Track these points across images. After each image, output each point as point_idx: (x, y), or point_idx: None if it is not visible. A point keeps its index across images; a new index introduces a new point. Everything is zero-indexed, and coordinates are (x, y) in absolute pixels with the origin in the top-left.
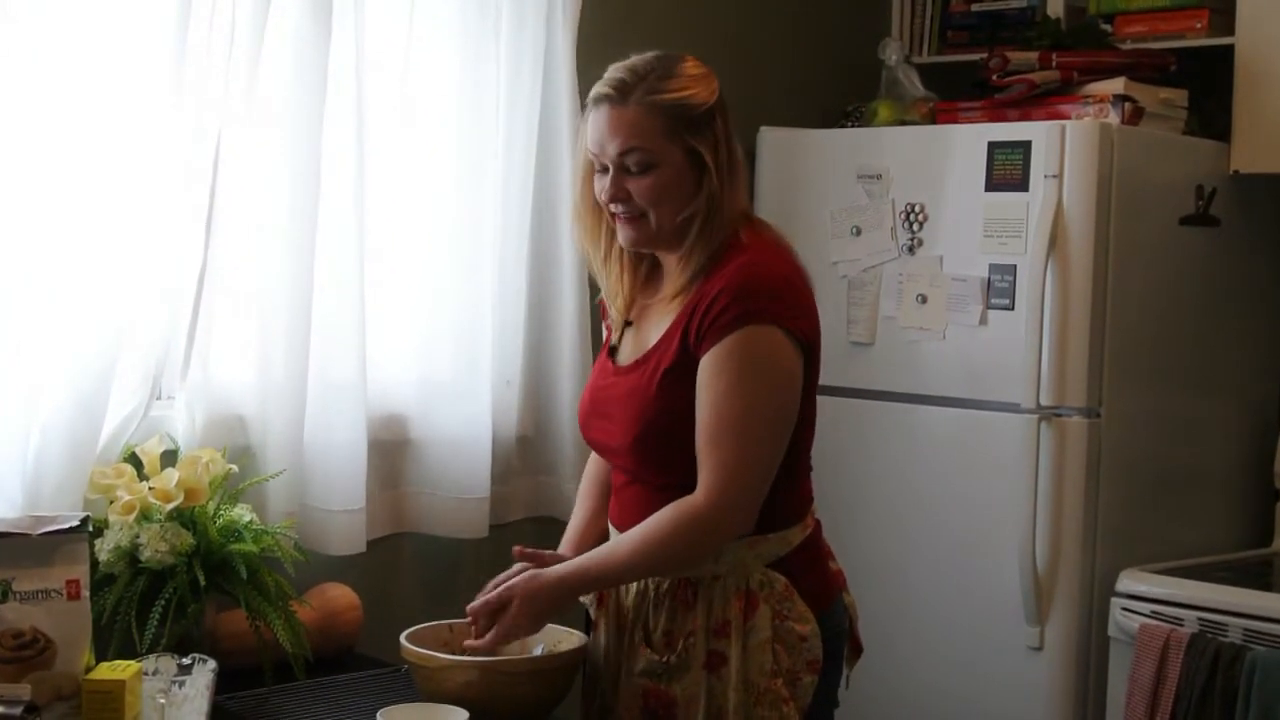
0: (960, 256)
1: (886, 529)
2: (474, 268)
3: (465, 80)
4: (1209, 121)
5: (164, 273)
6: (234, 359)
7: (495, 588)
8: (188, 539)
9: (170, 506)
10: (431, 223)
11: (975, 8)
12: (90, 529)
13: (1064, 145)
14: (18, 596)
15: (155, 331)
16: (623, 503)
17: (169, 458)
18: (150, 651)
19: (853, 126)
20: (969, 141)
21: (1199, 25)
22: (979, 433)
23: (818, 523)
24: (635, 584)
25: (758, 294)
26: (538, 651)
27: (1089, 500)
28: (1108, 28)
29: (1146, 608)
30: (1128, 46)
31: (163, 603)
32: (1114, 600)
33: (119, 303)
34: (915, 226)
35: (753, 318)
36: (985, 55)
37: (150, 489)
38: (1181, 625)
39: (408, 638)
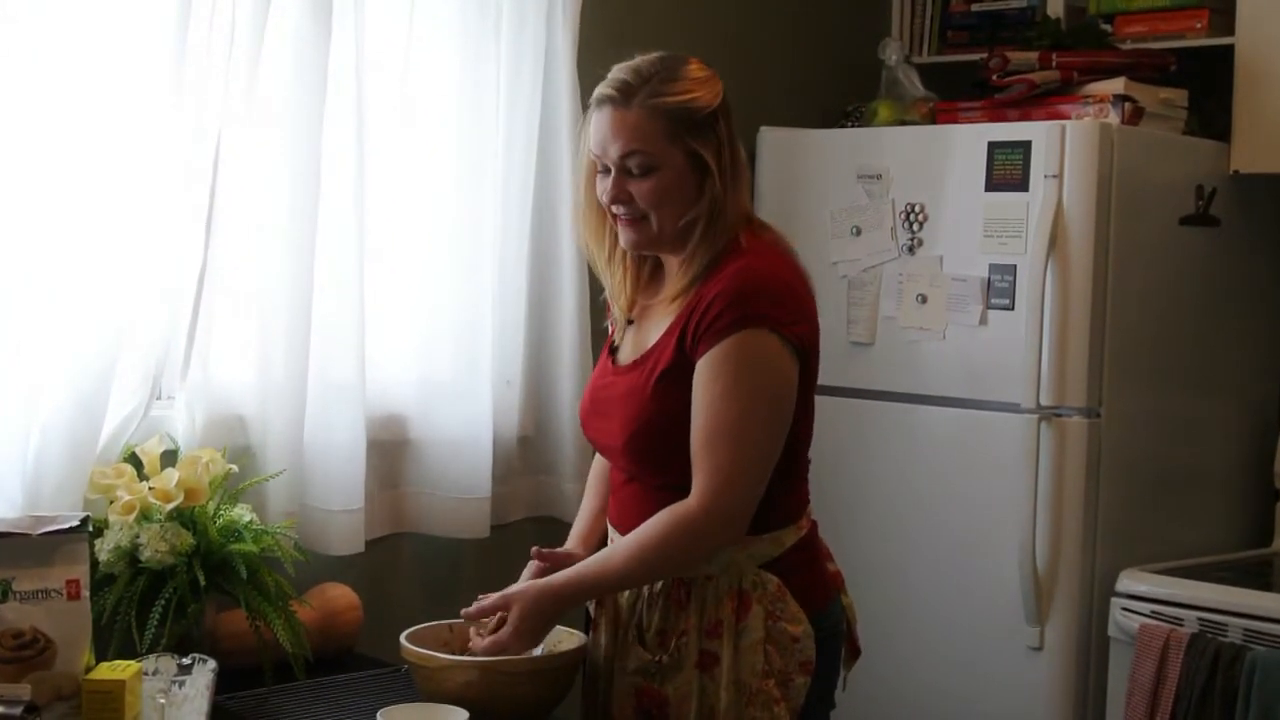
0: (960, 256)
1: (886, 529)
2: (474, 267)
3: (465, 80)
4: (1209, 121)
5: (164, 273)
6: (234, 359)
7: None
8: (188, 539)
9: (170, 506)
10: (431, 223)
11: (975, 8)
12: (90, 529)
13: (1064, 145)
14: (18, 596)
15: (155, 331)
16: (621, 501)
17: (169, 458)
18: (150, 651)
19: (853, 126)
20: (969, 141)
21: (1199, 25)
22: (979, 433)
23: (814, 524)
24: None
25: (754, 298)
26: (538, 651)
27: (1089, 500)
28: (1108, 28)
29: (1146, 608)
30: (1128, 46)
31: (163, 603)
32: (1114, 600)
33: (119, 303)
34: (915, 226)
35: (749, 322)
36: (985, 55)
37: (150, 489)
38: (1181, 625)
39: (408, 638)
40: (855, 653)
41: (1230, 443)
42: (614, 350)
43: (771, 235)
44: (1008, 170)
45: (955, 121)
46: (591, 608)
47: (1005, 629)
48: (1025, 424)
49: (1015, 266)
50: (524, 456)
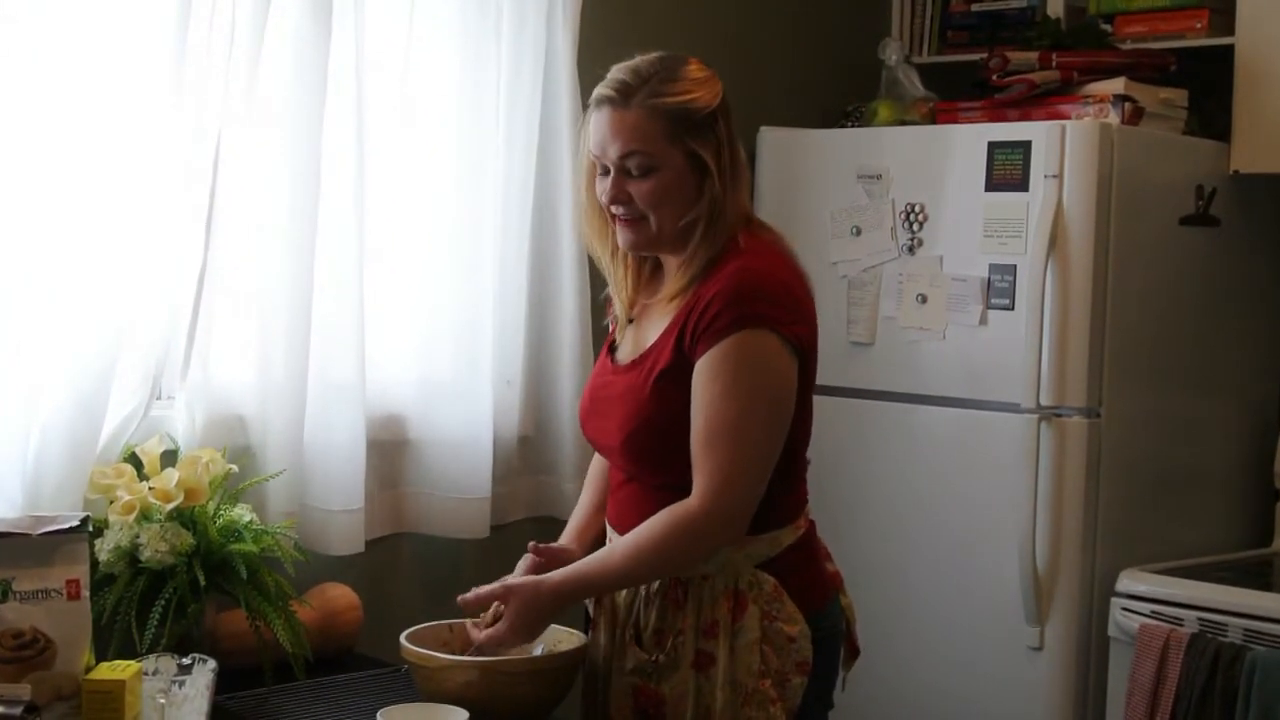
0: (960, 256)
1: (886, 529)
2: (474, 267)
3: (465, 80)
4: (1209, 121)
5: (164, 273)
6: (234, 359)
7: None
8: (188, 539)
9: (170, 506)
10: (431, 223)
11: (975, 8)
12: (90, 529)
13: (1064, 145)
14: (18, 596)
15: (155, 331)
16: (619, 501)
17: (169, 458)
18: (150, 651)
19: (853, 126)
20: (969, 141)
21: (1199, 25)
22: (979, 433)
23: (811, 524)
24: None
25: (753, 298)
26: (538, 651)
27: (1089, 500)
28: (1108, 28)
29: (1146, 608)
30: (1128, 46)
31: (163, 603)
32: (1114, 600)
33: (119, 303)
34: (915, 226)
35: (747, 322)
36: (985, 55)
37: (150, 489)
38: (1181, 625)
39: (408, 638)
40: (854, 653)
41: (1230, 443)
42: (613, 349)
43: (770, 235)
44: (1008, 170)
45: (955, 121)
46: (590, 607)
47: (1005, 629)
48: (1025, 424)
49: (1015, 266)
50: (524, 456)
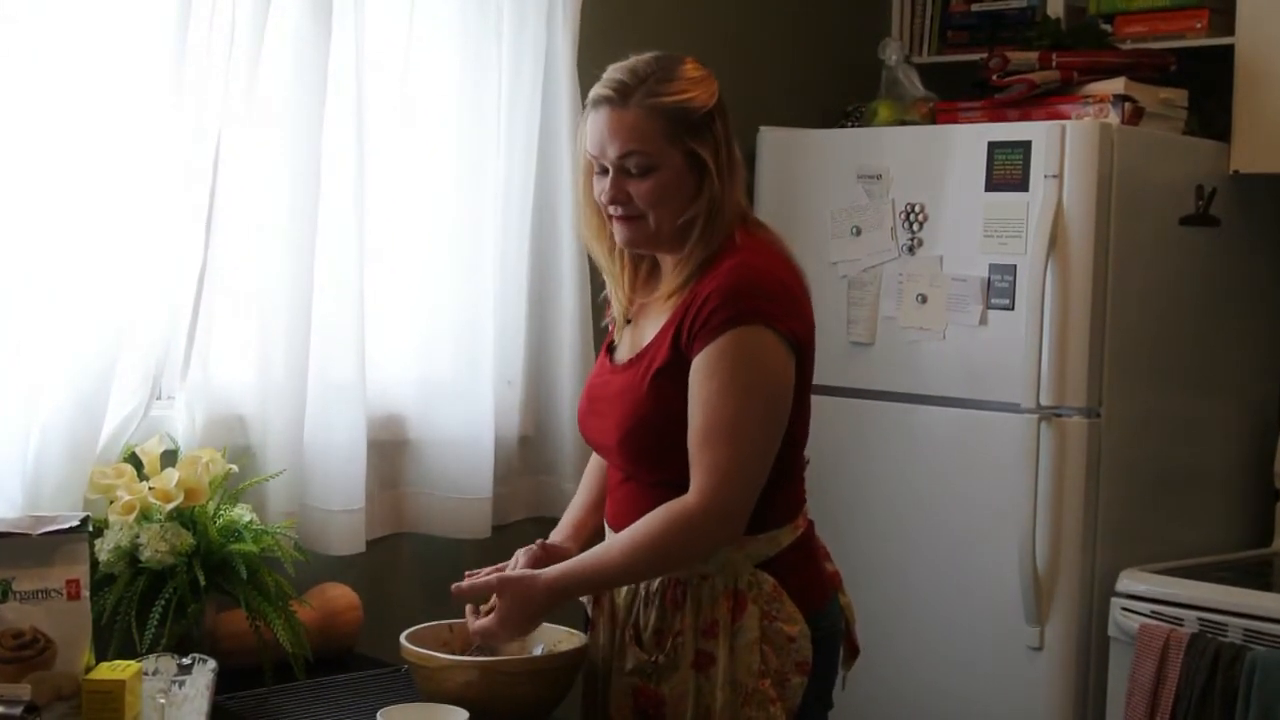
0: (960, 256)
1: (886, 529)
2: (474, 268)
3: (465, 80)
4: (1209, 121)
5: (164, 273)
6: (234, 359)
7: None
8: (188, 539)
9: (170, 506)
10: (431, 223)
11: (975, 8)
12: (90, 529)
13: (1064, 145)
14: (18, 596)
15: (155, 331)
16: (617, 501)
17: (169, 458)
18: (150, 651)
19: (853, 126)
20: (969, 141)
21: (1199, 25)
22: (979, 433)
23: (810, 523)
24: None
25: (749, 295)
26: (538, 651)
27: (1089, 500)
28: (1108, 28)
29: (1146, 608)
30: (1128, 46)
31: (163, 603)
32: (1114, 600)
33: (119, 303)
34: (915, 226)
35: (744, 319)
36: (985, 55)
37: (150, 489)
38: (1181, 625)
39: (408, 638)
40: (854, 652)
41: (1230, 443)
42: (611, 350)
43: (767, 234)
44: (1008, 170)
45: (955, 121)
46: (589, 608)
47: (1005, 629)
48: (1025, 424)
49: (1015, 266)
50: (524, 457)
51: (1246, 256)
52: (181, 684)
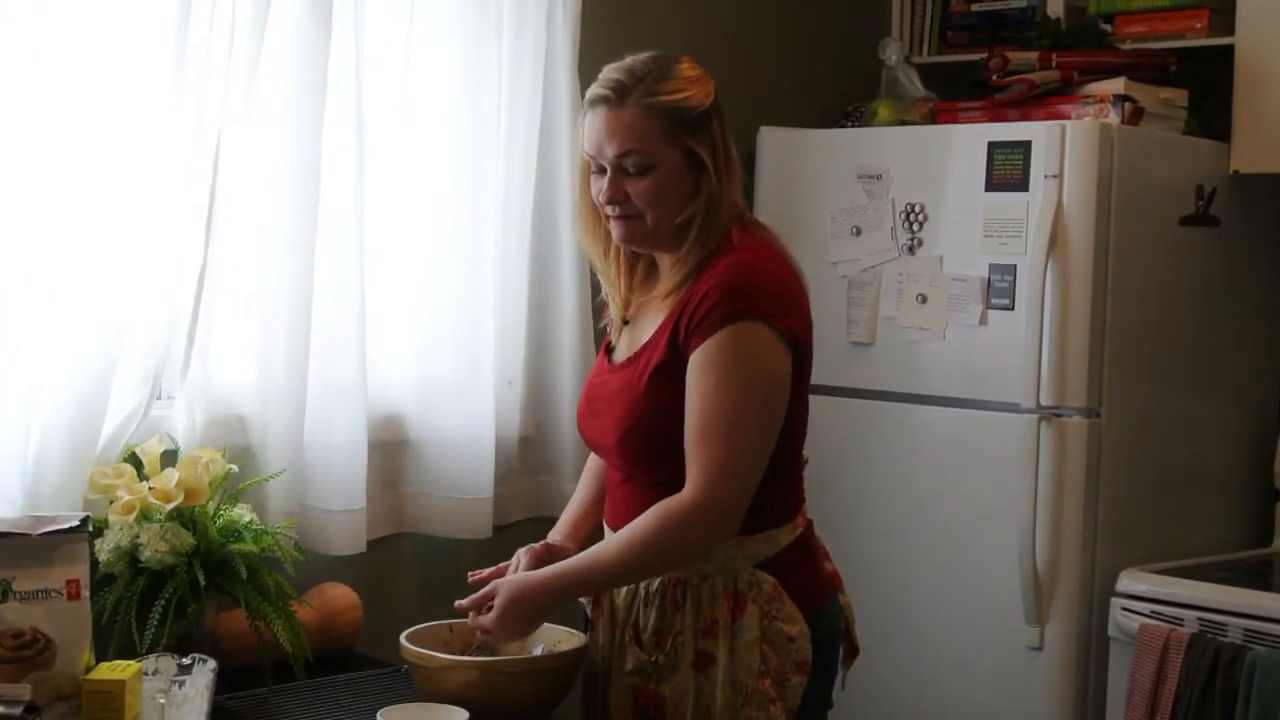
0: (960, 256)
1: (886, 529)
2: (474, 268)
3: (465, 80)
4: (1209, 121)
5: (164, 273)
6: (234, 359)
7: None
8: (188, 539)
9: (170, 506)
10: (431, 223)
11: (975, 8)
12: (90, 529)
13: (1064, 145)
14: (18, 596)
15: (155, 331)
16: (616, 501)
17: (169, 458)
18: (150, 651)
19: (853, 126)
20: (969, 141)
21: (1199, 25)
22: (979, 433)
23: (809, 523)
24: None
25: (746, 292)
26: (538, 651)
27: (1089, 500)
28: (1108, 28)
29: (1146, 608)
30: (1128, 46)
31: (163, 603)
32: (1114, 600)
33: (119, 303)
34: (915, 226)
35: (741, 316)
36: (985, 55)
37: (150, 489)
38: (1181, 625)
39: (408, 638)
40: (854, 652)
41: (1230, 443)
42: (610, 349)
43: (764, 232)
44: (1008, 170)
45: (955, 121)
46: (589, 608)
47: (1005, 629)
48: (1025, 424)
49: (1015, 266)
50: (525, 457)
51: (1246, 256)
52: (181, 684)
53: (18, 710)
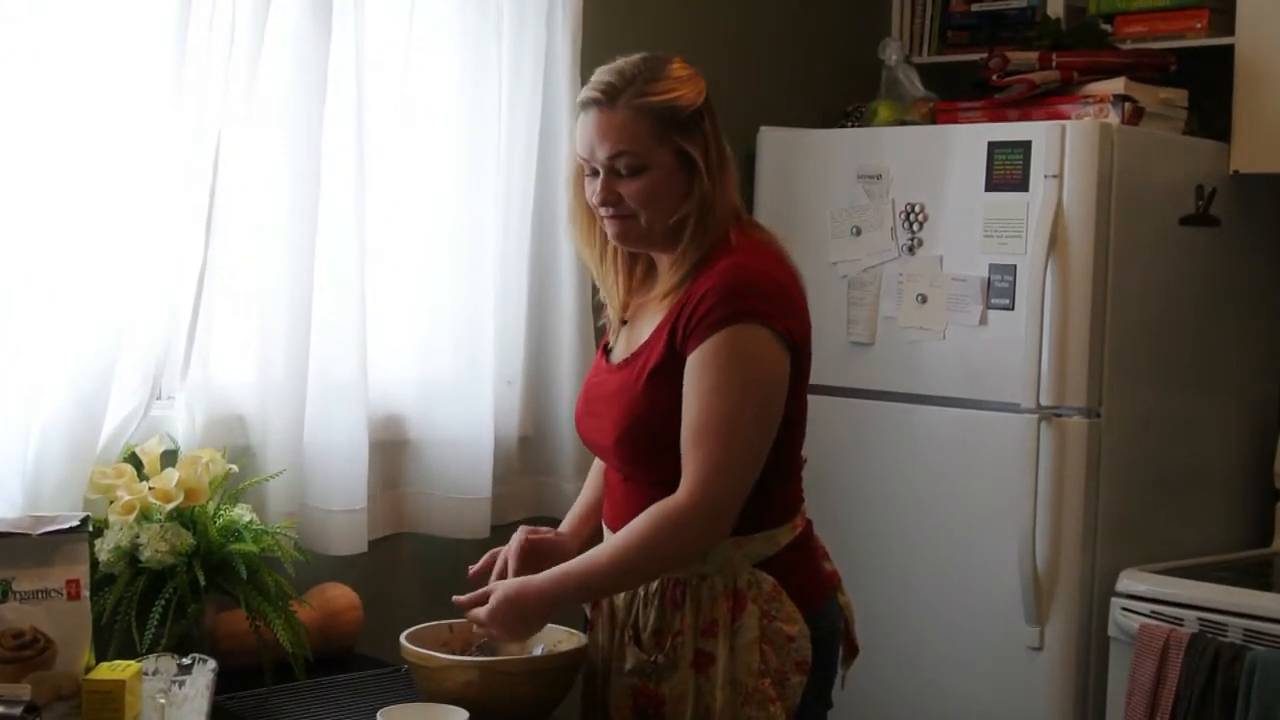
0: (960, 256)
1: (886, 529)
2: (474, 268)
3: (465, 80)
4: (1209, 121)
5: (164, 273)
6: (234, 359)
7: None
8: (188, 539)
9: (170, 506)
10: (431, 223)
11: (975, 8)
12: (90, 529)
13: (1064, 145)
14: (18, 596)
15: (155, 331)
16: (615, 501)
17: (169, 458)
18: (150, 651)
19: (853, 126)
20: (969, 141)
21: (1199, 25)
22: (979, 433)
23: (809, 522)
24: None
25: (745, 294)
26: (538, 651)
27: (1089, 500)
28: (1108, 28)
29: (1146, 608)
30: (1128, 46)
31: (163, 603)
32: (1114, 600)
33: (119, 303)
34: (915, 226)
35: (739, 317)
36: (985, 55)
37: (150, 489)
38: (1181, 625)
39: (408, 638)
40: (853, 652)
41: (1230, 443)
42: (608, 349)
43: (762, 233)
44: (1008, 170)
45: (955, 121)
46: (588, 608)
47: (1005, 629)
48: (1025, 424)
49: (1015, 266)
50: (524, 457)
51: (1246, 256)
52: (181, 684)
53: (18, 710)
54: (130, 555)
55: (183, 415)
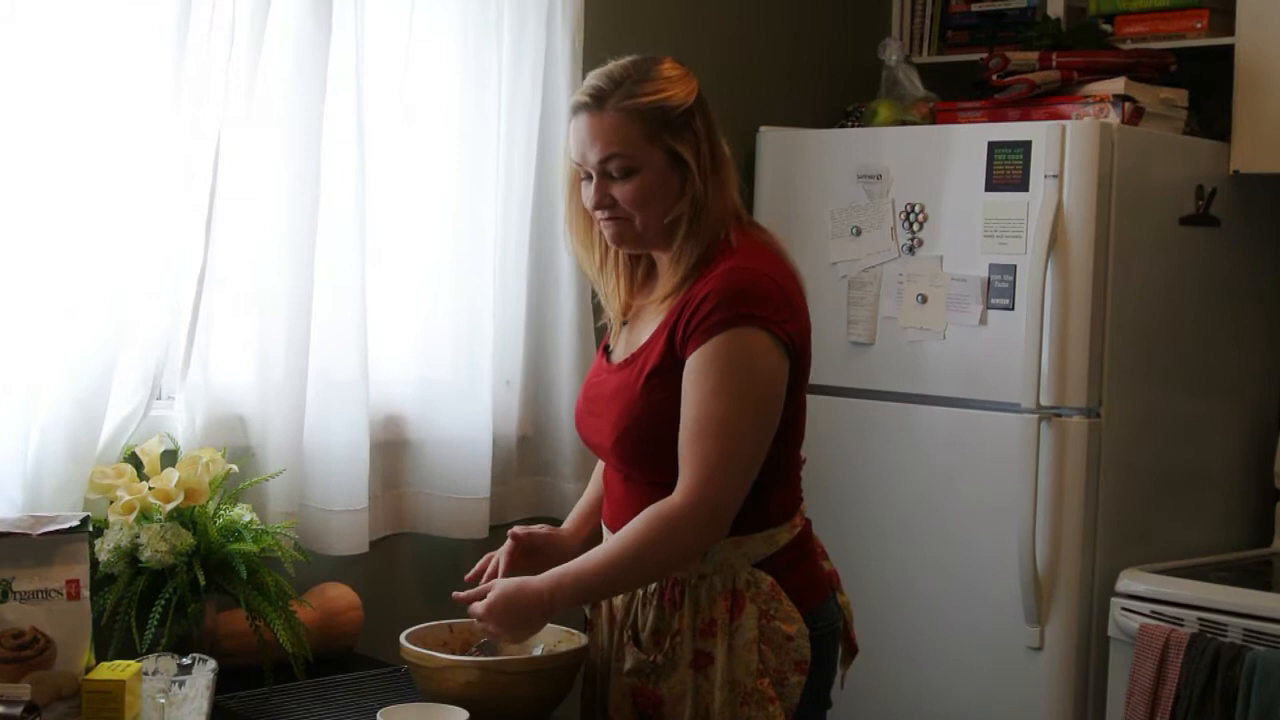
0: (960, 256)
1: (886, 529)
2: (474, 268)
3: (465, 80)
4: (1209, 121)
5: (164, 273)
6: (234, 359)
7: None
8: (188, 539)
9: (170, 506)
10: (431, 223)
11: (975, 8)
12: (90, 529)
13: (1064, 145)
14: (18, 596)
15: (155, 331)
16: (614, 500)
17: (169, 458)
18: (150, 651)
19: (853, 126)
20: (969, 141)
21: (1199, 25)
22: (979, 433)
23: (807, 522)
24: None
25: (745, 298)
26: (538, 651)
27: (1089, 500)
28: (1108, 28)
29: (1146, 608)
30: (1128, 46)
31: (163, 603)
32: (1114, 600)
33: (119, 303)
34: (915, 226)
35: (739, 321)
36: (985, 55)
37: (150, 489)
38: (1181, 625)
39: (408, 638)
40: (853, 651)
41: (1230, 443)
42: (609, 350)
43: (763, 234)
44: (1008, 170)
45: (955, 121)
46: (588, 608)
47: (1005, 629)
48: (1025, 424)
49: (1015, 266)
50: (523, 457)
51: (1246, 256)
52: (181, 684)
53: (18, 710)
54: (130, 555)
55: (183, 415)
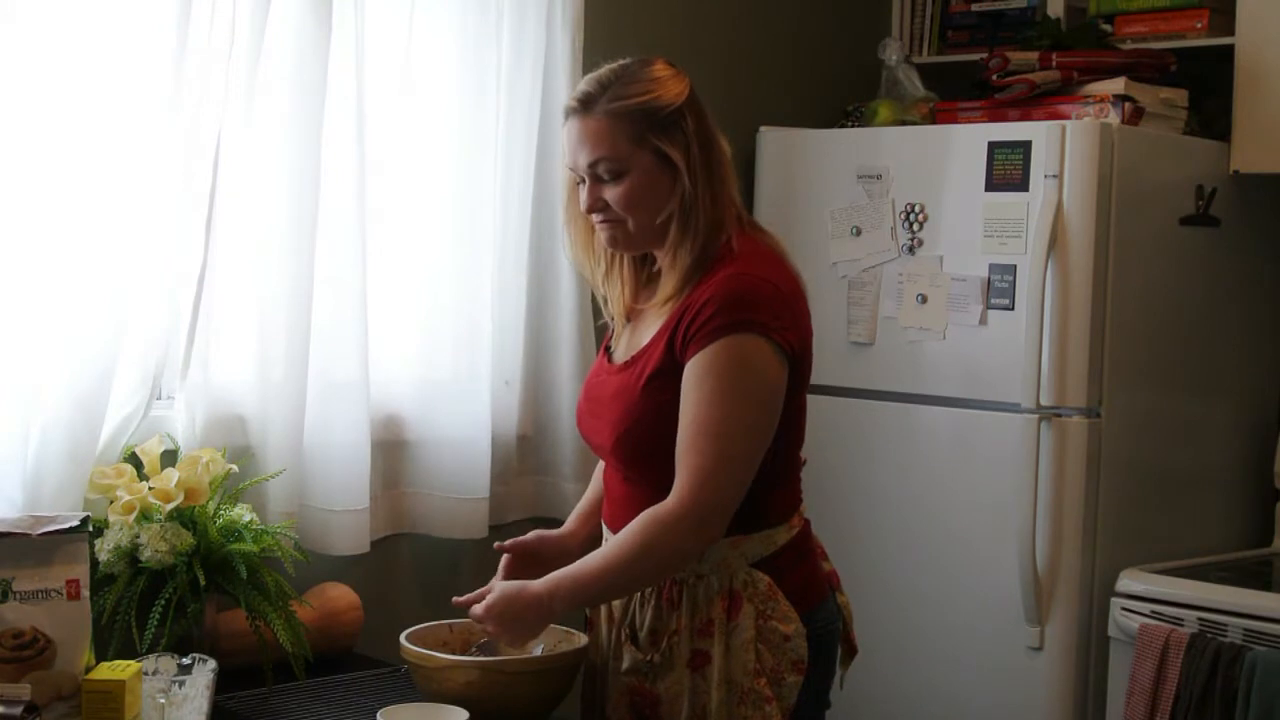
0: (960, 256)
1: (886, 529)
2: (474, 268)
3: (465, 80)
4: (1209, 121)
5: (164, 273)
6: (234, 359)
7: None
8: (188, 539)
9: (170, 506)
10: (431, 223)
11: (975, 8)
12: (90, 529)
13: (1064, 145)
14: (18, 596)
15: (155, 331)
16: (614, 501)
17: (169, 458)
18: (150, 651)
19: (853, 126)
20: (969, 141)
21: (1199, 25)
22: (979, 433)
23: (806, 522)
24: None
25: (745, 304)
26: (538, 651)
27: (1089, 500)
28: (1108, 28)
29: (1146, 608)
30: (1128, 46)
31: (163, 603)
32: (1114, 600)
33: (119, 303)
34: (915, 226)
35: (739, 327)
36: (985, 55)
37: (150, 489)
38: (1181, 625)
39: (408, 638)
40: (852, 652)
41: (1230, 443)
42: (610, 350)
43: (764, 237)
44: (1008, 170)
45: (955, 121)
46: (588, 608)
47: (1005, 629)
48: (1025, 424)
49: (1015, 266)
50: (523, 457)
51: (1246, 256)
52: (181, 684)
53: (18, 710)
54: (130, 555)
55: (183, 415)
